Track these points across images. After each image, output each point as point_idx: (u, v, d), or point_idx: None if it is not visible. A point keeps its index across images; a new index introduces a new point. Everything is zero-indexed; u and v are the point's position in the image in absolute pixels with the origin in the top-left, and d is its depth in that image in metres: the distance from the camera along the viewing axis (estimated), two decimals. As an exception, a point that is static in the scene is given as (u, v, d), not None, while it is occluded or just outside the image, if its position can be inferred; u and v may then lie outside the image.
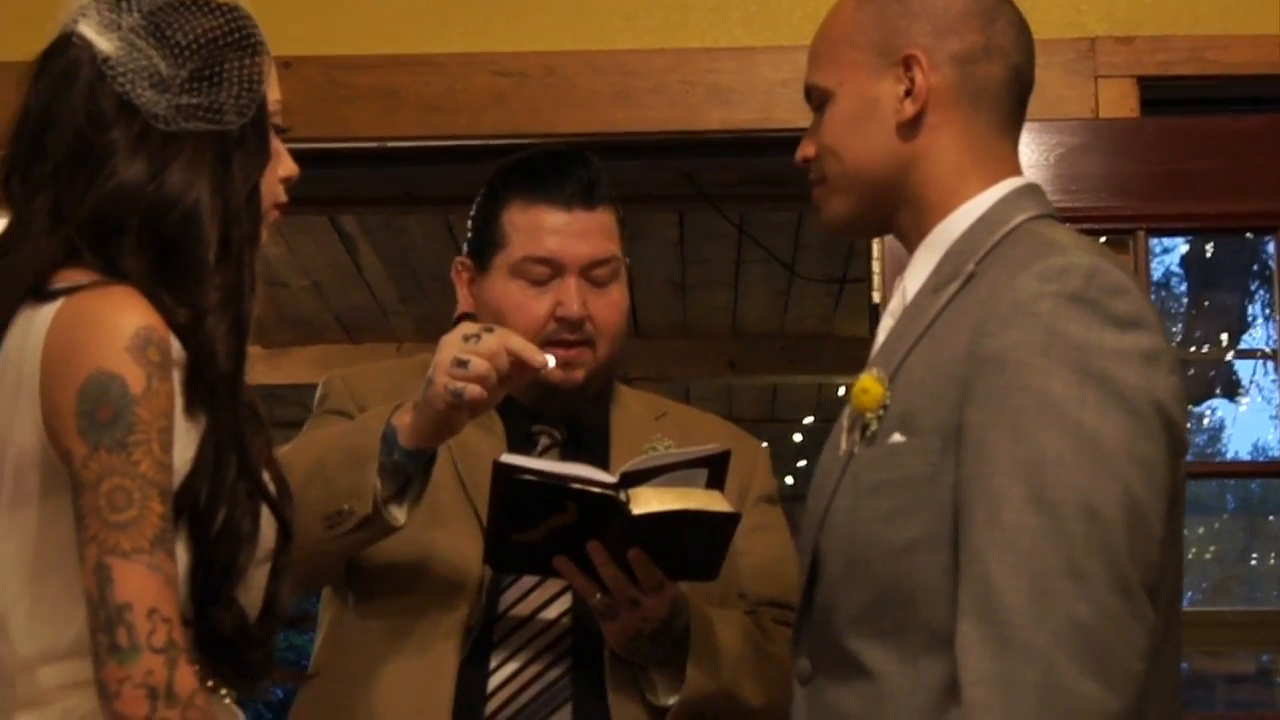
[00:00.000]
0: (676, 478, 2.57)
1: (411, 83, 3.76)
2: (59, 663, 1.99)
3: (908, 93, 2.27)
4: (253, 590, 2.07)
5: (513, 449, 2.75)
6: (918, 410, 2.14)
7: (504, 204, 2.85)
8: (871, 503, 2.17)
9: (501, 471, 2.55)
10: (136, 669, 1.88)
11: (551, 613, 2.74)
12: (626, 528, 2.53)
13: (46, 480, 1.98)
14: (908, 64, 2.27)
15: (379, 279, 7.29)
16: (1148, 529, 2.02)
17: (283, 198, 2.20)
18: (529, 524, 2.57)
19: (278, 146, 2.18)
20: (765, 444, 3.05)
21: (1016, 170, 2.32)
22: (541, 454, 2.82)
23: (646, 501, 2.53)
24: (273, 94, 2.15)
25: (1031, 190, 2.30)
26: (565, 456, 2.80)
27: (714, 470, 2.60)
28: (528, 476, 2.54)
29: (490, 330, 2.59)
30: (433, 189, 5.68)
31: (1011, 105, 2.31)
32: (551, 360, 2.61)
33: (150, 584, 1.90)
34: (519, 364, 2.56)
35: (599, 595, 2.62)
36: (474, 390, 2.54)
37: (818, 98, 2.35)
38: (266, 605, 2.09)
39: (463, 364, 2.54)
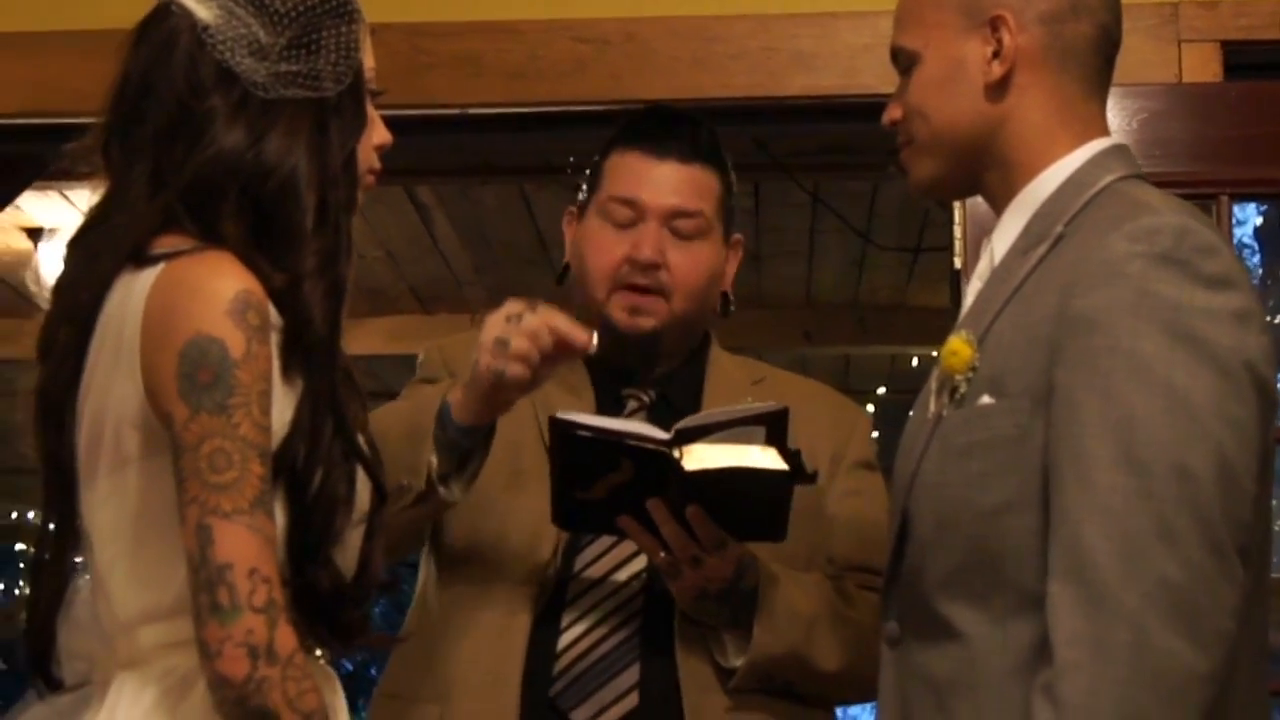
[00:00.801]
0: (733, 434, 2.57)
1: (492, 49, 3.76)
2: (159, 623, 2.02)
3: (995, 54, 2.26)
4: (348, 551, 2.09)
5: (601, 413, 2.77)
6: (1007, 372, 2.14)
7: (609, 152, 2.89)
8: (961, 465, 2.17)
9: (557, 427, 2.58)
10: (238, 628, 1.90)
11: (624, 574, 2.75)
12: (682, 485, 2.54)
13: (147, 443, 2.00)
14: (995, 25, 2.26)
15: (454, 250, 7.30)
16: (1239, 488, 2.02)
17: (376, 164, 2.22)
18: (589, 481, 2.59)
19: (372, 113, 2.19)
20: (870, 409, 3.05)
21: (1104, 130, 2.31)
22: (629, 417, 2.82)
23: (699, 458, 2.54)
24: (368, 61, 2.17)
25: (1120, 151, 2.29)
26: (653, 420, 2.80)
27: (772, 428, 2.60)
28: (582, 432, 2.56)
29: (534, 309, 2.61)
30: (511, 159, 5.69)
31: (1099, 64, 2.30)
32: (595, 340, 2.61)
33: (250, 544, 1.92)
34: (562, 343, 2.58)
35: (662, 554, 2.64)
36: (515, 369, 2.56)
37: (904, 60, 2.34)
38: (361, 566, 2.11)
39: (504, 343, 2.57)
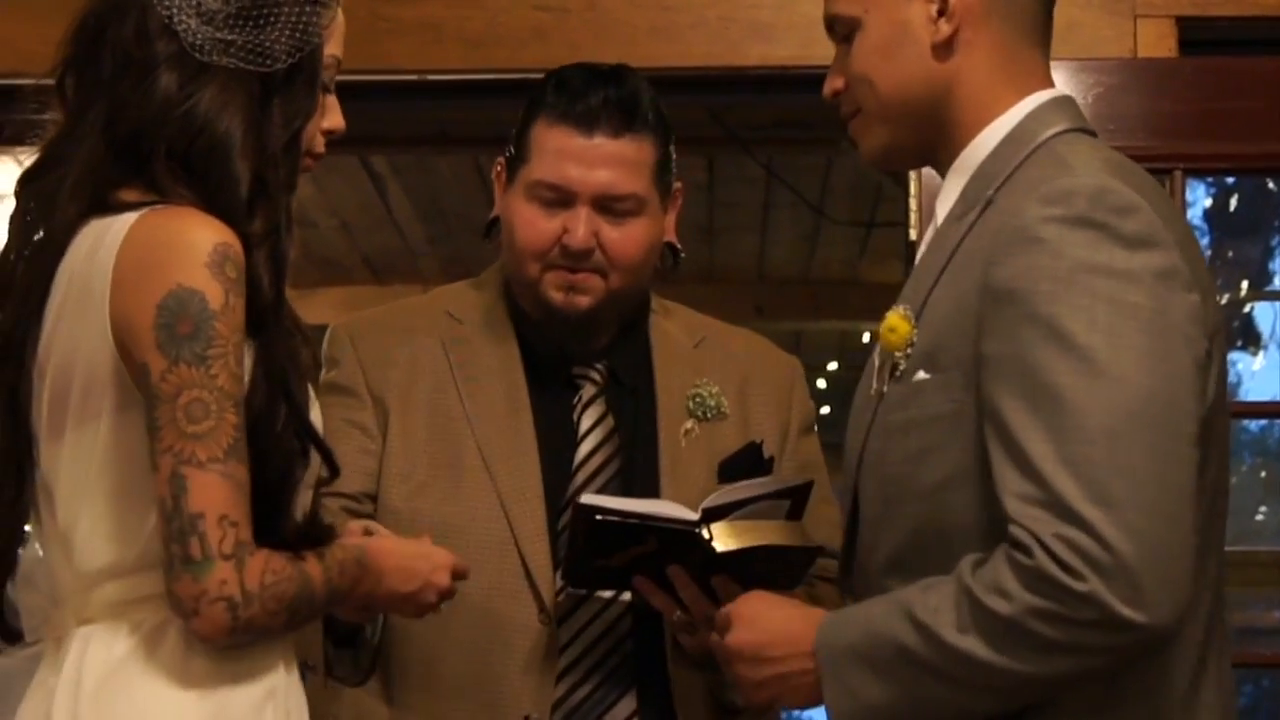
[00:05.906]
0: (758, 509, 2.56)
1: (452, 16, 3.76)
2: (126, 578, 2.03)
3: (940, 12, 2.21)
4: (299, 511, 2.09)
5: (550, 395, 2.74)
6: (940, 347, 2.11)
7: (535, 116, 2.73)
8: (901, 443, 2.14)
9: (582, 512, 2.53)
10: (211, 581, 1.93)
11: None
12: (708, 559, 2.53)
13: (116, 396, 2.01)
14: None
15: (408, 220, 7.31)
16: (1172, 441, 1.99)
17: (319, 149, 2.20)
18: (610, 553, 2.57)
19: (329, 99, 2.19)
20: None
21: (1047, 82, 2.26)
22: (587, 405, 2.75)
23: (728, 537, 2.52)
24: (331, 48, 2.16)
25: (1061, 103, 2.24)
26: (609, 402, 2.75)
27: (796, 501, 2.59)
28: (609, 518, 2.52)
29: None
30: (467, 130, 5.69)
31: (1040, 13, 2.26)
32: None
33: (222, 491, 1.94)
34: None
35: (678, 613, 2.60)
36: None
37: (843, 28, 2.29)
38: (311, 516, 2.11)
39: None
